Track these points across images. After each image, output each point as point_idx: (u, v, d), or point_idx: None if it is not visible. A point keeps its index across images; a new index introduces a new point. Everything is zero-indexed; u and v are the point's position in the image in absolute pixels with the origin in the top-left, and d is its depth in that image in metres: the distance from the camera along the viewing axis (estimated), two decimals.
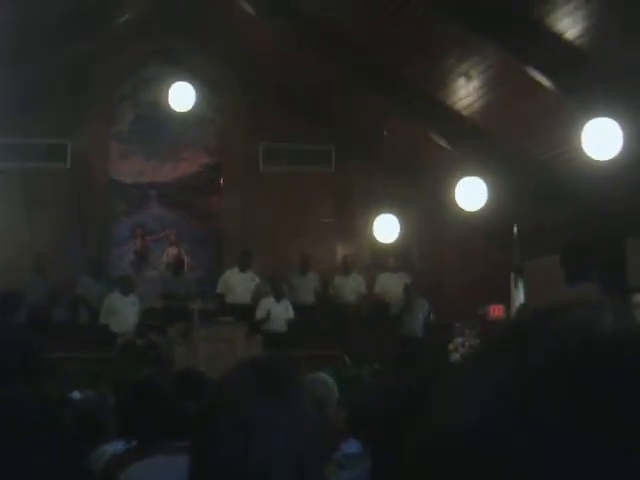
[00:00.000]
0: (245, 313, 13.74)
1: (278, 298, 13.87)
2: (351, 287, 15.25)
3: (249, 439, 1.75)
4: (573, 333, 0.71)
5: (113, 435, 4.76)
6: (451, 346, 13.17)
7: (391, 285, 15.12)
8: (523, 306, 13.75)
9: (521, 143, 12.80)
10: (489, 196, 12.55)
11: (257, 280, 14.52)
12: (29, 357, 2.61)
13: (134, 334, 13.03)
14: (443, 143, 13.90)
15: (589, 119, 9.90)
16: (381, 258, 15.64)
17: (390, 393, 1.94)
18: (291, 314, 13.90)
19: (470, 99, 12.65)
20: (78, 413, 4.86)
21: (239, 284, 14.51)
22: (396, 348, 13.07)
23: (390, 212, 15.01)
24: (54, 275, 14.17)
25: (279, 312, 13.82)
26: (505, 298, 14.76)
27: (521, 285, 14.61)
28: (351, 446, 5.03)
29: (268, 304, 13.81)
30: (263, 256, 14.90)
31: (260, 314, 13.65)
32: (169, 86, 13.84)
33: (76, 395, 5.72)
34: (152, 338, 12.93)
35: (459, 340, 13.32)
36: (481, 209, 12.78)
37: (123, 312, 13.61)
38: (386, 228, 15.07)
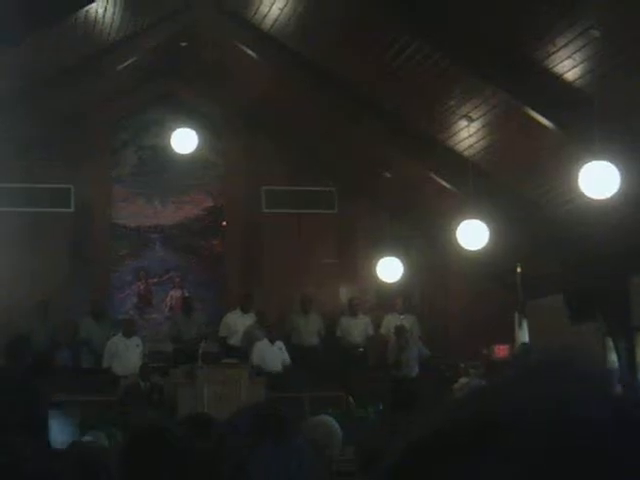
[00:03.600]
0: (248, 355, 13.76)
1: (272, 340, 13.89)
2: (359, 329, 15.23)
3: None
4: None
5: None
6: (456, 386, 13.13)
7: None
8: (524, 345, 13.73)
9: (522, 184, 12.85)
10: (492, 237, 12.57)
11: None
12: (34, 407, 2.60)
13: (138, 377, 13.00)
14: (445, 184, 13.94)
15: (589, 160, 9.95)
16: (386, 299, 15.63)
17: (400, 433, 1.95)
18: (287, 358, 13.89)
19: (471, 140, 12.71)
20: (82, 459, 4.83)
21: (241, 326, 14.52)
22: (390, 392, 13.04)
23: (393, 253, 15.03)
24: (57, 318, 14.18)
25: (273, 354, 13.83)
26: (509, 338, 14.73)
27: (525, 325, 14.59)
28: None
29: (262, 347, 13.81)
30: (265, 297, 14.90)
31: (256, 359, 13.66)
32: (171, 130, 13.93)
33: (87, 438, 5.71)
34: (156, 380, 12.91)
35: (464, 380, 13.27)
36: (484, 250, 12.80)
37: (126, 355, 13.60)
38: (389, 269, 15.09)
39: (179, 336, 14.30)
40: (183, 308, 14.88)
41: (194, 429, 3.82)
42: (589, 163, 9.93)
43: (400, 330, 14.33)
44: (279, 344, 13.96)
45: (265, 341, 13.89)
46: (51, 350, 13.82)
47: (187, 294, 15.53)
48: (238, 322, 14.61)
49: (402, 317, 15.22)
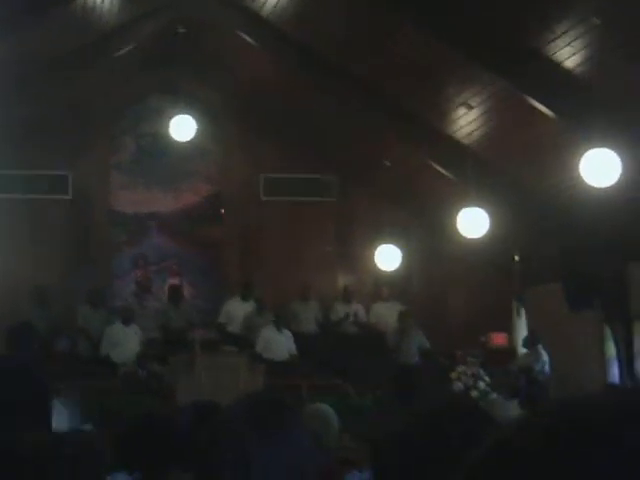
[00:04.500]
0: (247, 343, 13.78)
1: (279, 328, 13.89)
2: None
3: (248, 475, 1.75)
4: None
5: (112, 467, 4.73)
6: (454, 375, 13.14)
7: (385, 314, 15.12)
8: (531, 335, 13.75)
9: (521, 171, 12.84)
10: (490, 225, 12.58)
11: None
12: (42, 395, 2.59)
13: (136, 364, 13.01)
14: (444, 172, 13.93)
15: (589, 148, 9.94)
16: (376, 287, 15.65)
17: (402, 426, 1.94)
18: (293, 347, 13.90)
19: (470, 128, 12.69)
20: (78, 446, 4.83)
21: (240, 314, 14.54)
22: (392, 378, 13.04)
23: (391, 241, 15.04)
24: (56, 306, 14.18)
25: (280, 341, 13.83)
26: (507, 326, 14.77)
27: (523, 313, 14.61)
28: (354, 477, 5.01)
29: (269, 334, 13.83)
30: (264, 285, 14.91)
31: (260, 346, 13.67)
32: (170, 117, 13.92)
33: (87, 427, 5.71)
34: (154, 368, 12.91)
35: (461, 368, 13.29)
36: (482, 237, 12.81)
37: (125, 342, 13.60)
38: (388, 257, 15.09)
39: (168, 325, 14.28)
40: (171, 297, 14.85)
41: (198, 417, 3.81)
42: (590, 150, 9.92)
43: (402, 315, 14.29)
44: (287, 332, 13.96)
45: (272, 328, 13.89)
46: (51, 337, 13.82)
47: (183, 282, 15.53)
48: (238, 309, 14.63)
49: (388, 305, 15.21)
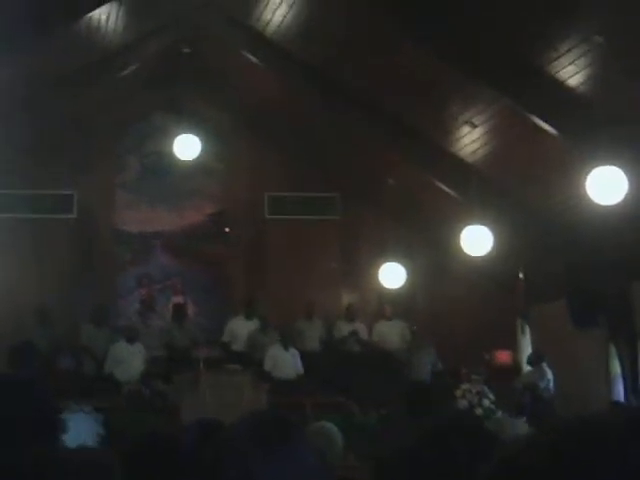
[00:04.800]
0: (252, 361, 13.75)
1: (286, 346, 13.87)
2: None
3: None
4: None
5: None
6: (458, 392, 13.11)
7: (388, 333, 15.12)
8: (535, 353, 13.73)
9: (525, 189, 12.84)
10: (495, 242, 12.58)
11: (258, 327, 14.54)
12: (45, 415, 2.59)
13: (140, 383, 12.99)
14: (448, 190, 13.94)
15: (593, 166, 9.93)
16: (380, 306, 15.64)
17: (407, 444, 1.94)
18: (300, 366, 13.86)
19: (474, 146, 12.71)
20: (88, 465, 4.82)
21: (244, 332, 14.53)
22: (405, 394, 13.00)
23: (395, 259, 15.03)
24: (60, 324, 14.18)
25: (287, 360, 13.81)
26: (512, 344, 14.74)
27: (527, 330, 14.59)
28: None
29: (276, 352, 13.81)
30: (268, 303, 14.90)
31: (268, 365, 13.66)
32: (174, 136, 13.95)
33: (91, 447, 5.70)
34: (158, 387, 12.89)
35: (466, 386, 13.25)
36: (487, 255, 12.80)
37: (129, 361, 13.59)
38: (392, 275, 15.08)
39: (172, 343, 14.27)
40: (175, 315, 14.85)
41: (202, 435, 3.81)
42: (597, 168, 9.91)
43: (413, 334, 14.41)
44: (293, 351, 13.93)
45: (279, 347, 13.88)
46: (53, 356, 13.81)
47: (187, 301, 15.52)
48: (242, 328, 14.61)
49: (391, 323, 15.21)
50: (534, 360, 13.61)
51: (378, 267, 15.22)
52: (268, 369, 13.62)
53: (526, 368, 14.02)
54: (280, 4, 11.97)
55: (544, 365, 13.41)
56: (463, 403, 12.87)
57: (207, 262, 16.04)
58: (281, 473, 1.78)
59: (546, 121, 10.93)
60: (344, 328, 15.18)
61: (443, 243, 14.61)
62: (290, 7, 11.93)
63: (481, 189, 12.58)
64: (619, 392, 12.61)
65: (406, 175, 14.40)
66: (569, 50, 9.82)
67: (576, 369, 13.09)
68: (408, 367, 14.07)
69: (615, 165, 9.84)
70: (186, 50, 13.76)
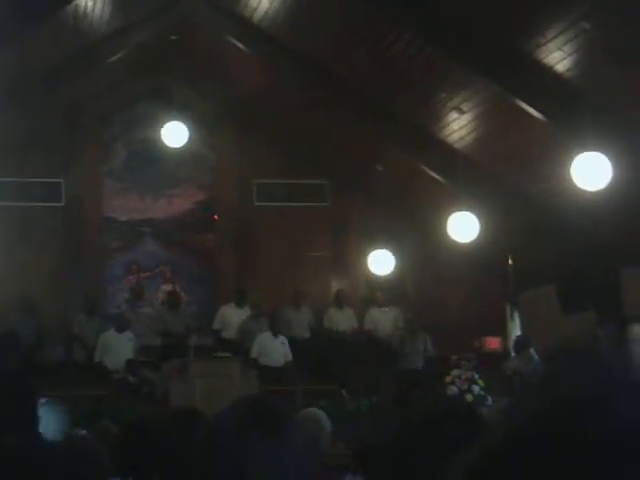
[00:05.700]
0: (242, 348, 13.77)
1: (275, 334, 13.88)
2: (346, 321, 15.23)
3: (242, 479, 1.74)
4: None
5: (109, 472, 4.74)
6: (447, 379, 13.13)
7: (380, 320, 15.14)
8: (519, 338, 13.74)
9: (513, 175, 12.86)
10: (483, 228, 12.59)
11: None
12: (26, 404, 2.59)
13: (125, 371, 12.97)
14: (436, 176, 13.95)
15: (579, 151, 9.96)
16: (371, 292, 15.65)
17: (398, 430, 1.94)
18: (289, 354, 13.86)
19: (462, 132, 12.71)
20: (76, 452, 4.83)
21: (235, 320, 14.53)
22: (396, 382, 13.04)
23: (385, 246, 15.03)
24: (48, 313, 14.16)
25: (276, 347, 13.81)
26: (501, 330, 14.76)
27: (517, 316, 14.61)
28: None
29: (264, 339, 13.82)
30: (258, 291, 14.89)
31: (255, 352, 13.67)
32: (162, 124, 13.92)
33: (82, 433, 5.70)
34: (146, 375, 12.88)
35: (456, 372, 13.27)
36: (476, 242, 12.81)
37: (118, 349, 13.57)
38: (381, 262, 15.09)
39: (167, 330, 14.26)
40: (169, 302, 14.83)
41: (182, 424, 3.81)
42: (581, 154, 9.93)
43: (407, 321, 14.43)
44: (282, 338, 13.93)
45: (268, 334, 13.88)
46: (38, 346, 13.79)
47: (177, 288, 15.50)
48: (233, 315, 14.61)
49: (383, 310, 15.24)
50: (520, 346, 13.62)
51: (367, 254, 15.23)
52: (255, 356, 13.63)
53: (513, 354, 14.04)
54: None
55: (531, 350, 13.43)
56: (453, 389, 12.90)
57: (196, 250, 16.03)
58: (271, 459, 1.78)
59: (533, 107, 10.94)
60: (334, 315, 15.19)
61: (432, 229, 14.61)
62: None
63: (469, 175, 12.59)
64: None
65: (395, 162, 14.39)
66: (556, 36, 9.82)
67: None
68: (402, 354, 14.09)
69: (600, 151, 9.87)
70: (173, 37, 13.71)
